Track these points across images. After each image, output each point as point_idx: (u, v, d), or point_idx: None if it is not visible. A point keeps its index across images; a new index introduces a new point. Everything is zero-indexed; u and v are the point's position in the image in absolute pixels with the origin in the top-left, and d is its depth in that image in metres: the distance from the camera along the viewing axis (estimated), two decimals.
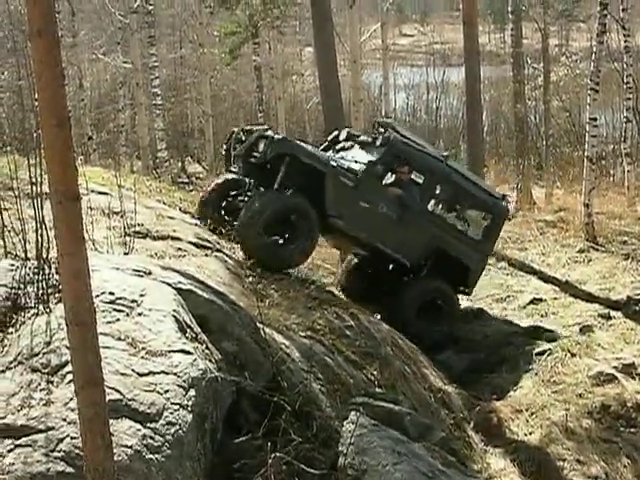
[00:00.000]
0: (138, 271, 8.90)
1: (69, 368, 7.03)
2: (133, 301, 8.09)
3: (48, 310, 7.97)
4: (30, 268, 8.43)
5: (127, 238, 11.57)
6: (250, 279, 13.21)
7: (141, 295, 8.22)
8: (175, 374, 7.46)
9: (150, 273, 8.98)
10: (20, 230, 9.04)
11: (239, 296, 11.32)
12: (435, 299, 16.33)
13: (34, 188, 9.00)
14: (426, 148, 16.89)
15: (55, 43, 4.38)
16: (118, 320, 7.73)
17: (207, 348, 8.32)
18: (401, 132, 16.78)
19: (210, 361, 8.10)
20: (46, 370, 7.28)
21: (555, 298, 17.71)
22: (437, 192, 16.59)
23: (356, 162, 15.83)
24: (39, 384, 7.17)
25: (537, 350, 15.34)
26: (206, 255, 13.61)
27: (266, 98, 41.96)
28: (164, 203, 16.16)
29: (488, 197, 17.02)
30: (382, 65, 40.94)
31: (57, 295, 8.15)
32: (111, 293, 8.03)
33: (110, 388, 6.61)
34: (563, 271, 19.14)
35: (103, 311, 7.74)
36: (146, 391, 7.18)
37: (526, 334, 16.18)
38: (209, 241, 14.68)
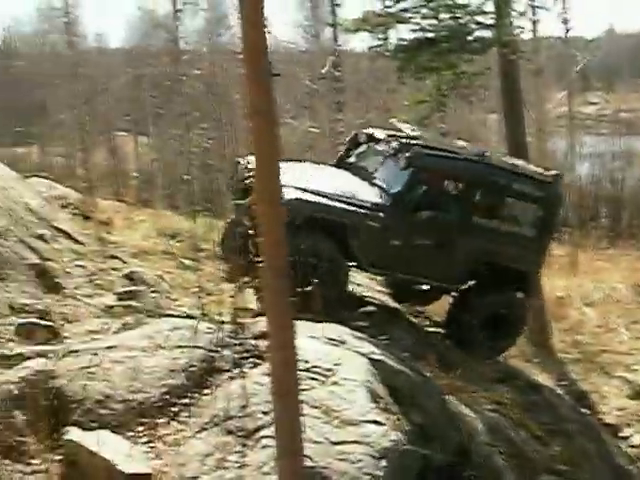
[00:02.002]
0: (333, 340, 9.02)
1: (264, 432, 7.21)
2: (328, 370, 8.19)
3: (243, 374, 8.15)
4: (226, 332, 8.66)
5: None
6: (436, 349, 13.20)
7: (336, 364, 8.32)
8: (367, 444, 7.49)
9: (344, 342, 9.09)
10: (216, 293, 9.32)
11: (426, 366, 11.32)
12: (497, 312, 14.56)
13: None
14: (456, 152, 14.86)
15: (273, 121, 4.55)
16: (313, 388, 7.84)
17: (397, 419, 8.32)
18: (423, 141, 14.85)
19: (400, 432, 8.10)
20: (241, 433, 7.44)
21: None
22: (478, 198, 14.62)
23: (378, 188, 14.09)
24: (234, 447, 7.33)
25: None
26: (393, 322, 13.70)
27: None
28: None
29: (535, 186, 14.91)
30: (567, 133, 40.41)
31: (252, 359, 8.36)
32: (306, 361, 8.13)
33: (304, 456, 6.70)
34: None
35: (299, 379, 7.86)
36: (339, 460, 7.25)
37: None
38: (397, 308, 14.79)
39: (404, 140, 14.45)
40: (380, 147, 14.74)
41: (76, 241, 13.67)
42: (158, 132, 46.45)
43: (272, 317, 4.94)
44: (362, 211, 13.48)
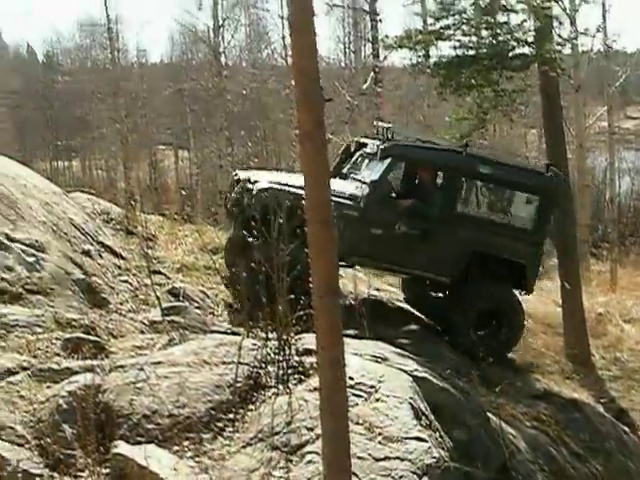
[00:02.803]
0: (376, 357, 9.10)
1: (309, 448, 7.30)
2: (371, 387, 8.26)
3: (288, 390, 8.25)
4: (271, 348, 8.76)
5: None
6: (477, 365, 13.20)
7: (379, 381, 8.39)
8: (410, 460, 7.56)
9: (387, 359, 9.16)
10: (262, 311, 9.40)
11: (468, 383, 11.35)
12: (491, 308, 14.17)
13: None
14: (438, 144, 14.96)
15: (323, 146, 4.65)
16: (357, 405, 7.91)
17: (440, 436, 8.38)
18: (404, 134, 15.19)
19: (443, 449, 8.16)
20: (286, 449, 7.53)
21: None
22: (464, 189, 14.48)
23: (360, 182, 14.15)
24: (278, 462, 7.42)
25: None
26: (434, 340, 13.75)
27: None
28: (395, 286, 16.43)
29: (529, 176, 14.77)
30: (607, 149, 40.21)
31: (297, 376, 8.46)
32: (351, 378, 8.20)
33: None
34: None
35: None
36: (382, 476, 7.32)
37: None
38: (435, 326, 14.84)
39: (388, 138, 14.50)
40: (367, 150, 14.77)
41: (120, 256, 13.80)
42: (199, 146, 46.78)
43: (322, 335, 5.03)
44: (338, 200, 13.25)
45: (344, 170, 15.23)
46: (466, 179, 14.42)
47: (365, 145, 14.98)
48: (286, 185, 13.50)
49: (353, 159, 15.23)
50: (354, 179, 14.54)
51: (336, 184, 13.76)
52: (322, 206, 4.70)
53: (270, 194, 13.19)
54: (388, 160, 13.99)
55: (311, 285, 5.01)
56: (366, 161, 14.78)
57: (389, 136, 14.50)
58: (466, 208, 14.50)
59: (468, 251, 14.09)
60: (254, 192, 13.57)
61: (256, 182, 13.91)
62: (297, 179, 14.04)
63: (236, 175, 14.90)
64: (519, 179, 14.59)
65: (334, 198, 13.07)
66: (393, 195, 14.12)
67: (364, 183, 14.00)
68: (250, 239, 12.12)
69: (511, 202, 14.95)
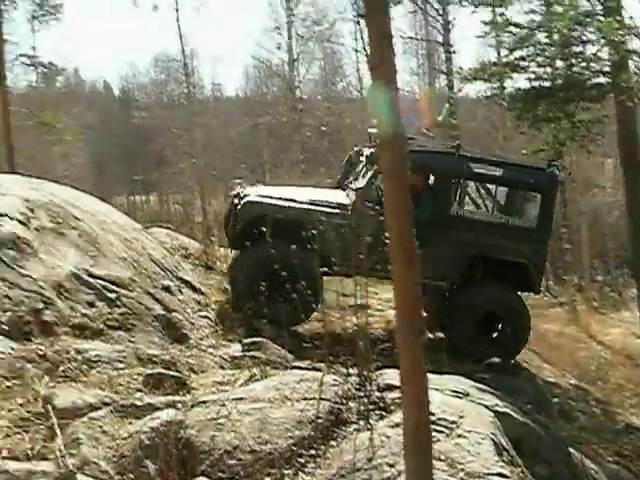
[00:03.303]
0: (457, 392, 9.06)
1: None
2: (453, 422, 8.21)
3: (369, 426, 8.23)
4: (352, 384, 8.76)
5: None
6: (555, 400, 13.10)
7: (460, 417, 8.35)
8: None
9: (468, 394, 9.11)
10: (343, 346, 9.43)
11: (548, 417, 11.25)
12: (493, 311, 13.91)
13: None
14: (429, 147, 14.59)
15: (405, 184, 4.67)
16: (438, 440, 7.86)
17: (522, 472, 8.31)
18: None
19: None
20: None
21: None
22: (457, 190, 14.15)
23: (351, 190, 14.01)
24: None
25: None
26: (513, 373, 13.66)
27: (569, 211, 41.61)
28: None
29: (527, 173, 14.39)
30: None
31: (378, 411, 8.44)
32: (432, 414, 8.18)
33: None
34: None
35: None
36: None
37: None
38: (515, 359, 14.73)
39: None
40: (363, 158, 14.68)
41: (199, 292, 13.93)
42: (274, 180, 47.04)
43: (405, 373, 5.04)
44: (325, 210, 13.39)
45: (347, 181, 15.16)
46: (459, 180, 14.21)
47: (362, 153, 14.93)
48: (275, 198, 13.73)
49: (356, 169, 15.06)
50: (349, 188, 14.41)
51: (328, 194, 14.14)
52: (405, 245, 4.72)
53: (256, 207, 13.53)
54: (375, 166, 13.68)
55: None
56: (363, 170, 14.57)
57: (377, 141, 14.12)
58: (462, 210, 14.27)
59: (466, 254, 13.90)
60: (241, 205, 13.75)
61: (246, 196, 14.04)
62: (294, 192, 14.34)
63: (234, 195, 14.88)
64: (517, 177, 14.33)
65: (321, 208, 13.37)
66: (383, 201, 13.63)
67: (353, 191, 13.85)
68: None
69: (511, 201, 14.75)
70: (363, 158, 14.66)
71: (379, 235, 12.84)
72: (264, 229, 12.89)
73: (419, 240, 12.74)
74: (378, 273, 13.54)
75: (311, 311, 13.11)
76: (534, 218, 14.37)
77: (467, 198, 14.72)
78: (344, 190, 14.75)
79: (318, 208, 13.59)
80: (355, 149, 15.78)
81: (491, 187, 14.60)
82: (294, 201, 13.89)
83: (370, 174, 13.84)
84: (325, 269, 13.13)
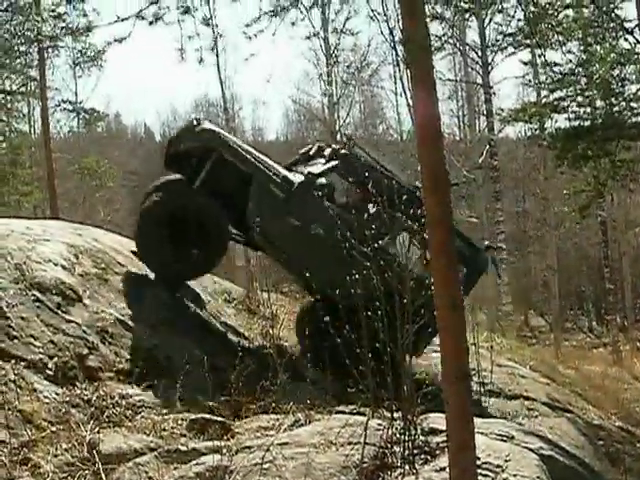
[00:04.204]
0: (501, 436, 9.00)
1: None
2: (498, 466, 8.15)
3: (414, 470, 8.20)
4: (397, 428, 8.73)
5: (481, 397, 11.74)
6: (600, 442, 12.98)
7: (506, 460, 8.29)
8: None
9: (512, 437, 9.05)
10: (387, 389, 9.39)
11: (593, 460, 11.16)
12: None
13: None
14: (393, 174, 13.73)
15: (450, 232, 4.69)
16: None
17: None
18: (364, 150, 14.34)
19: None
20: None
21: None
22: (400, 226, 12.95)
23: (302, 174, 13.63)
24: None
25: None
26: (557, 415, 13.56)
27: (610, 251, 41.38)
28: (515, 361, 16.27)
29: (465, 246, 13.62)
30: None
31: (423, 456, 8.40)
32: (477, 457, 8.12)
33: None
34: None
35: None
36: None
37: None
38: (559, 401, 14.62)
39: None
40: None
41: (243, 336, 13.96)
42: None
43: (452, 419, 5.04)
44: (270, 174, 13.20)
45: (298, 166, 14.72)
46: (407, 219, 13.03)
47: (323, 150, 14.57)
48: (236, 143, 13.49)
49: (312, 161, 14.66)
50: (298, 172, 14.10)
51: (279, 169, 13.69)
52: (451, 290, 4.73)
53: (212, 138, 13.19)
54: (335, 162, 13.62)
55: None
56: (320, 162, 14.26)
57: (349, 144, 14.15)
58: (397, 249, 12.99)
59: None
60: (200, 129, 13.43)
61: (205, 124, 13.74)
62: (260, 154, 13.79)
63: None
64: (457, 245, 13.19)
65: (267, 171, 13.15)
66: (330, 196, 13.64)
67: (303, 174, 13.66)
68: None
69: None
70: (324, 154, 14.38)
71: (307, 226, 13.04)
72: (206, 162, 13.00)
73: (342, 250, 11.84)
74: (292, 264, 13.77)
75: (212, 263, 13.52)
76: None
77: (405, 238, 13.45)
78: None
79: (267, 171, 13.29)
80: (317, 144, 15.43)
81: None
82: (250, 153, 13.50)
83: (327, 167, 13.70)
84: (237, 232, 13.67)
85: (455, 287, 4.71)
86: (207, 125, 13.76)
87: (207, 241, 13.06)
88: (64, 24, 26.73)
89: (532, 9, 17.91)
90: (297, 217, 13.17)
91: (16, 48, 28.05)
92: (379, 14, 33.89)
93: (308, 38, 36.62)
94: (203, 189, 13.12)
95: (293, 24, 13.66)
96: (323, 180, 13.59)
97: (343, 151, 13.91)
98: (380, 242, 12.73)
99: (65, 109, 35.70)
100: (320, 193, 13.47)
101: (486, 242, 15.26)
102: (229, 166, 13.16)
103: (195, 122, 13.70)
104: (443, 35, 27.03)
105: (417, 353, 13.20)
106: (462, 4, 11.89)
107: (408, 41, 4.50)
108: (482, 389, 12.45)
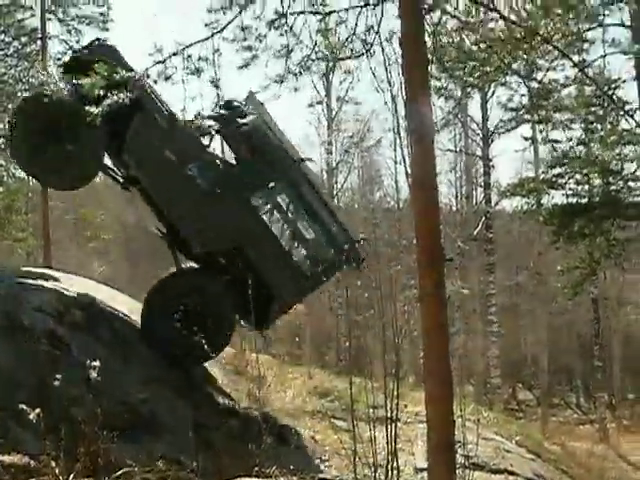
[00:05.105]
0: None
1: None
2: None
3: None
4: None
5: (465, 470, 11.65)
6: None
7: None
8: None
9: None
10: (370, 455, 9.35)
11: None
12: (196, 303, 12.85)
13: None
14: (285, 145, 13.71)
15: (442, 305, 4.68)
16: None
17: None
18: (268, 119, 13.85)
19: None
20: None
21: None
22: (276, 191, 13.36)
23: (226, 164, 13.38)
24: None
25: None
26: None
27: (601, 328, 41.29)
28: (501, 435, 16.18)
29: (338, 231, 13.64)
30: None
31: None
32: None
33: None
34: None
35: None
36: None
37: None
38: (544, 477, 14.56)
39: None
40: None
41: (229, 397, 13.87)
42: None
43: None
44: (160, 104, 13.04)
45: None
46: (284, 188, 13.56)
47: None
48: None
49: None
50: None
51: (168, 105, 13.38)
52: (441, 366, 4.72)
53: (106, 52, 12.59)
54: (227, 113, 13.50)
55: None
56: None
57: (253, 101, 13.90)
58: (267, 210, 13.44)
59: (235, 241, 13.17)
60: (94, 44, 13.30)
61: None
62: None
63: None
64: (330, 227, 13.81)
65: (157, 99, 12.87)
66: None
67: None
68: None
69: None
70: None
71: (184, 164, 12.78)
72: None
73: (212, 196, 12.66)
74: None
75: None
76: (314, 270, 13.51)
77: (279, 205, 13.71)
78: None
79: (156, 99, 13.11)
80: (227, 100, 15.16)
81: (302, 210, 13.67)
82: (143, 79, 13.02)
83: (216, 114, 13.67)
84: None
85: (446, 363, 4.70)
86: (107, 43, 13.57)
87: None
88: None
89: (535, 85, 18.06)
90: (175, 153, 12.91)
91: (19, 94, 28.08)
92: (382, 81, 34.16)
93: (311, 106, 36.91)
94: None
95: (296, 90, 13.62)
96: (211, 124, 13.43)
97: (236, 103, 13.95)
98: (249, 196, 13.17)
99: None
100: (204, 137, 13.36)
101: (360, 237, 14.47)
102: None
103: (96, 41, 13.55)
104: (448, 111, 27.15)
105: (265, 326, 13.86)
106: (470, 79, 11.89)
107: (411, 119, 4.52)
108: (467, 462, 12.33)
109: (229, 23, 8.66)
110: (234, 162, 13.72)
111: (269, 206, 13.35)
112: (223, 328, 13.10)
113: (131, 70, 12.66)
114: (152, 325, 13.01)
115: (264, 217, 13.24)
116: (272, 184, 13.42)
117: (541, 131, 20.74)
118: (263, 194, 13.37)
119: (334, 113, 39.26)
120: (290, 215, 13.52)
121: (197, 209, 12.93)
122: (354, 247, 13.90)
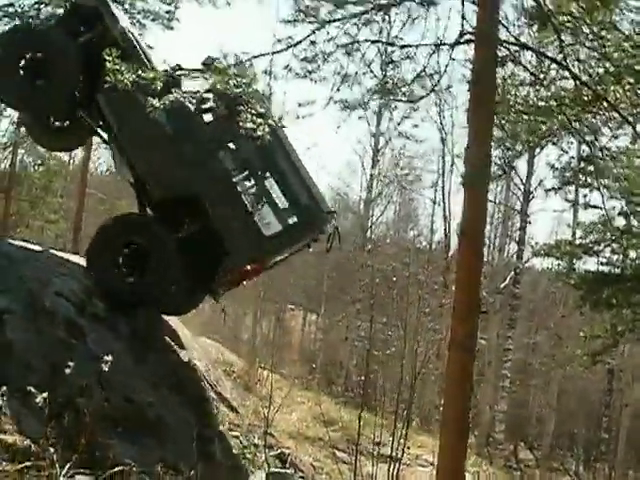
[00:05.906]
0: None
1: None
2: None
3: None
4: None
5: None
6: None
7: None
8: None
9: None
10: None
11: None
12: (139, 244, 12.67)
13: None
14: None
15: (471, 356, 4.64)
16: None
17: None
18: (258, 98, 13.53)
19: None
20: None
21: None
22: (247, 152, 12.95)
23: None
24: None
25: None
26: None
27: (613, 400, 40.91)
28: None
29: (305, 195, 13.19)
30: None
31: None
32: None
33: None
34: None
35: None
36: None
37: None
38: None
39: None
40: None
41: (236, 411, 13.83)
42: (328, 313, 46.63)
43: None
44: (141, 50, 13.05)
45: None
46: (256, 148, 12.87)
47: None
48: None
49: None
50: None
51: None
52: (458, 415, 4.67)
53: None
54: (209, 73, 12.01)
55: None
56: None
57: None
58: (233, 168, 13.30)
59: (193, 190, 12.98)
60: None
61: None
62: None
63: None
64: (295, 190, 13.42)
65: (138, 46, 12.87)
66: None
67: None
68: None
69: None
70: None
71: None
72: None
73: (177, 143, 12.62)
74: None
75: None
76: (277, 232, 13.19)
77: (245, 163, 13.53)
78: None
79: (146, 55, 13.14)
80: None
81: (268, 171, 13.40)
82: (128, 30, 13.40)
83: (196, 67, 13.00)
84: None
85: (465, 413, 4.65)
86: None
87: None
88: None
89: (587, 149, 17.98)
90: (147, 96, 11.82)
91: None
92: (435, 122, 34.24)
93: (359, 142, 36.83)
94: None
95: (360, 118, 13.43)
96: (181, 74, 12.98)
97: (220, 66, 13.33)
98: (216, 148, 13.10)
99: (106, 148, 35.82)
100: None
101: (330, 209, 14.33)
102: (107, 38, 12.80)
103: None
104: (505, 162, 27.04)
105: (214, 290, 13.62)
106: (529, 137, 11.81)
107: (468, 163, 4.48)
108: None
109: (304, 39, 8.66)
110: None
111: (237, 163, 13.22)
112: (169, 271, 12.77)
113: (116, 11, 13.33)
114: (93, 259, 12.93)
115: (230, 172, 13.14)
116: (243, 144, 13.00)
117: (585, 196, 20.65)
118: (232, 152, 13.23)
119: (380, 145, 39.19)
120: (257, 175, 13.29)
121: (159, 152, 12.92)
122: (324, 218, 13.61)
